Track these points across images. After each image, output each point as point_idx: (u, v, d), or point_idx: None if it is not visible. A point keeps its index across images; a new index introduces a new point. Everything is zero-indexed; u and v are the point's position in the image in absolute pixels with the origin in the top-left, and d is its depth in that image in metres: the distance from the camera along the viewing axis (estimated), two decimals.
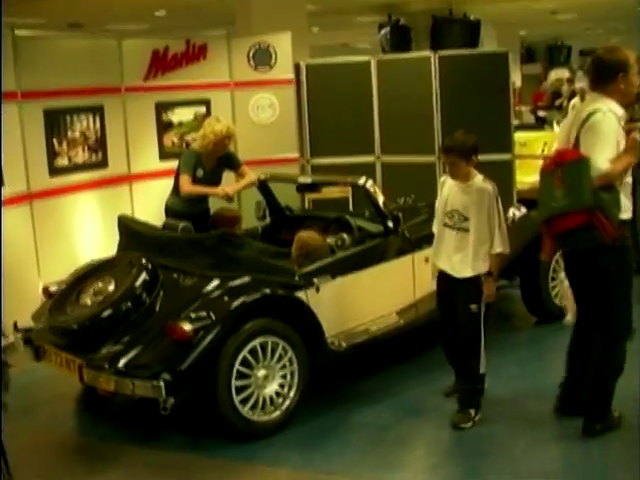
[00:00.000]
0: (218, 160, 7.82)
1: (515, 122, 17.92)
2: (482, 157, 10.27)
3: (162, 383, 5.54)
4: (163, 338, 5.81)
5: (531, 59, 27.45)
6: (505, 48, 10.74)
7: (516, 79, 23.84)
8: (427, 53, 10.40)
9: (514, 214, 8.24)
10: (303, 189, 7.91)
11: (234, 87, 10.56)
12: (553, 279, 7.94)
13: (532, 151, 12.56)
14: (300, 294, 6.31)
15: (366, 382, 6.84)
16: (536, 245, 7.63)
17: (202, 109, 10.33)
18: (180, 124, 10.19)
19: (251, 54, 10.56)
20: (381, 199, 7.03)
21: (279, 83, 10.68)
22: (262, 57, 10.61)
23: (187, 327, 5.66)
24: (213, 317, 5.76)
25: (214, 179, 7.81)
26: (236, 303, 5.89)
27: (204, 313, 5.80)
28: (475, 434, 5.90)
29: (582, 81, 24.70)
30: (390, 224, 6.98)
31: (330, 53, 11.47)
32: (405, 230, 7.14)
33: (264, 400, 5.95)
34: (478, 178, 6.02)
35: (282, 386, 6.05)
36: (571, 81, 24.03)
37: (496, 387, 6.43)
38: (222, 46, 10.50)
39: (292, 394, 6.08)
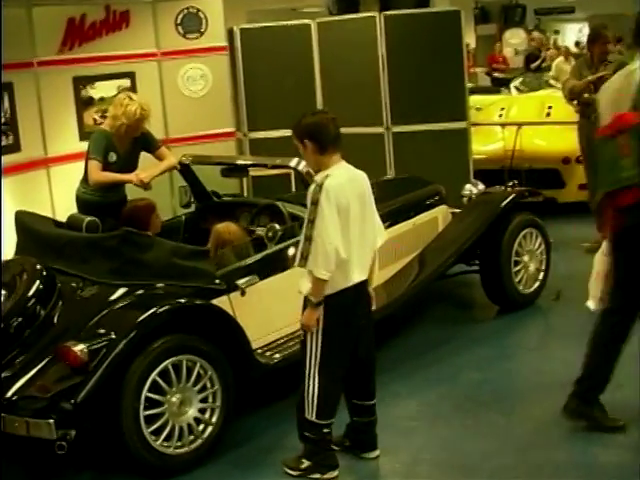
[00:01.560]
0: (133, 141, 6.73)
1: (469, 85, 17.07)
2: (434, 126, 9.50)
3: (52, 421, 4.48)
4: (57, 361, 4.74)
5: (485, 19, 26.31)
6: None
7: (470, 40, 22.81)
8: (372, 14, 9.29)
9: (470, 191, 7.22)
10: (228, 173, 6.80)
11: (161, 57, 9.40)
12: (516, 263, 6.93)
13: (489, 117, 11.51)
14: (222, 300, 5.27)
15: None
16: (496, 225, 6.72)
17: (126, 82, 9.16)
18: (102, 100, 9.00)
19: (179, 20, 9.42)
20: None
21: (211, 51, 9.56)
22: (191, 23, 9.47)
23: (79, 349, 4.61)
24: (113, 335, 4.71)
25: (129, 163, 6.72)
26: (142, 317, 4.83)
27: (102, 330, 4.76)
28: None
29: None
30: None
31: (278, 18, 10.25)
32: None
33: (181, 429, 4.91)
34: (326, 172, 4.47)
35: (202, 411, 5.00)
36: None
37: (451, 396, 5.51)
38: (146, 12, 9.32)
39: (215, 419, 5.04)
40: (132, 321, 4.81)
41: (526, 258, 7.01)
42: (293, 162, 5.90)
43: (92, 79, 8.97)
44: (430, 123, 9.13)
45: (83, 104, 8.92)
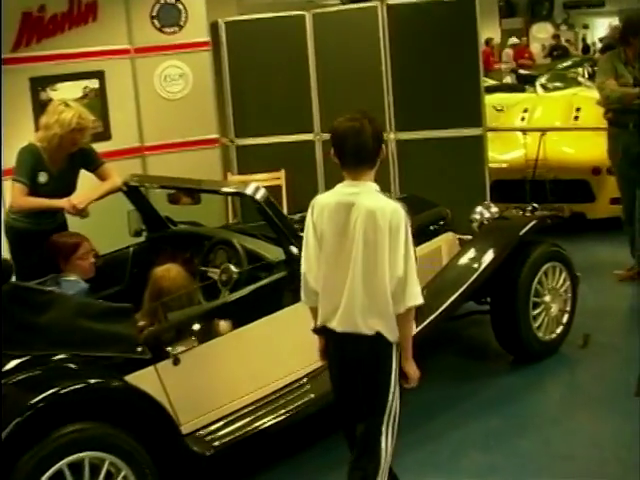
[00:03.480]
0: (69, 158, 5.44)
1: (492, 82, 15.62)
2: (445, 133, 8.09)
3: None
4: None
5: (511, 13, 24.72)
6: None
7: (494, 35, 21.36)
8: (373, 3, 7.88)
9: (481, 215, 5.83)
10: (176, 199, 5.41)
11: (135, 54, 8.04)
12: (536, 305, 5.54)
13: (510, 119, 10.07)
14: (145, 373, 3.93)
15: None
16: (512, 259, 5.34)
17: (94, 83, 7.84)
18: None
19: (155, 12, 8.08)
20: (280, 214, 4.61)
21: (192, 47, 8.20)
22: (169, 15, 8.12)
23: None
24: None
25: (64, 185, 5.44)
26: (28, 404, 3.50)
27: None
28: None
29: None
30: (294, 250, 4.56)
31: (274, 9, 8.87)
32: None
33: None
34: None
35: None
36: (557, 37, 21.69)
37: None
38: (117, 3, 7.93)
39: None
40: (14, 411, 3.48)
41: (547, 298, 5.63)
42: (250, 189, 4.53)
43: (53, 80, 7.65)
44: (440, 129, 7.74)
45: (42, 108, 7.57)
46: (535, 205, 5.94)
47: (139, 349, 3.96)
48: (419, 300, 3.42)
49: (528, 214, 5.84)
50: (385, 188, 7.50)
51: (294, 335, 4.53)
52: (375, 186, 3.50)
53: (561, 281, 5.74)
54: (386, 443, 3.52)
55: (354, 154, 3.48)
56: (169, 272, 4.44)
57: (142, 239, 5.59)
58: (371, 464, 3.51)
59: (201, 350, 4.15)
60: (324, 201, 3.55)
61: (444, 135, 7.70)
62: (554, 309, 5.69)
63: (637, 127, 6.73)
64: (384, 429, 3.52)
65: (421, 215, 5.83)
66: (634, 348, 5.71)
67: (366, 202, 3.43)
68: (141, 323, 4.22)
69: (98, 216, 5.86)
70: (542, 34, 23.30)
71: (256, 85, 8.38)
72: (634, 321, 6.21)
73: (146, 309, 4.31)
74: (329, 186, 7.83)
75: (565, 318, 5.80)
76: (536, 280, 5.52)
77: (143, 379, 3.92)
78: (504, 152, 8.96)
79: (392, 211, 3.40)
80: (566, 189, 8.45)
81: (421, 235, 5.65)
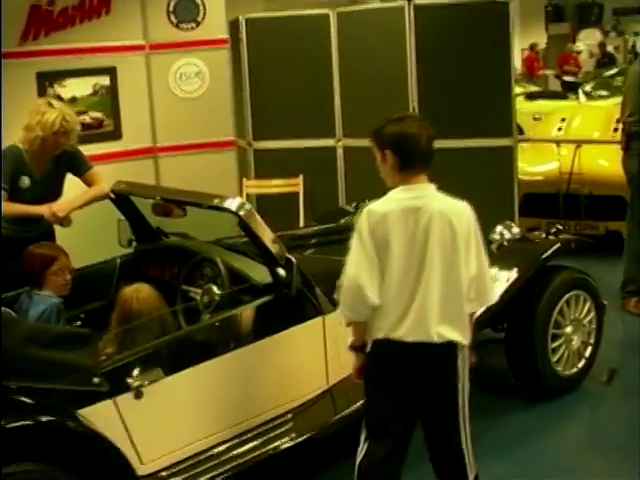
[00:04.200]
0: (54, 161, 5.02)
1: (535, 89, 15.03)
2: (472, 142, 7.54)
3: None
4: None
5: (559, 18, 23.97)
6: None
7: (540, 40, 20.71)
8: (399, 3, 7.37)
9: (502, 236, 5.30)
10: (161, 210, 4.93)
11: (150, 50, 7.66)
12: (555, 336, 5.02)
13: (547, 129, 9.46)
14: (102, 408, 3.48)
15: None
16: (531, 285, 4.83)
17: (104, 80, 7.45)
18: (74, 100, 7.29)
19: (172, 7, 7.69)
20: (267, 232, 4.13)
21: (209, 44, 7.81)
22: (186, 10, 7.73)
23: None
24: None
25: (48, 190, 5.03)
26: None
27: None
28: None
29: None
30: (282, 272, 4.08)
31: (302, 6, 8.37)
32: (310, 279, 4.26)
33: None
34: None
35: None
36: (603, 45, 20.97)
37: None
38: None
39: None
40: None
41: (569, 329, 5.10)
42: (233, 204, 4.03)
43: (61, 75, 7.30)
44: (467, 139, 7.20)
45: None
46: (559, 227, 5.38)
47: (95, 380, 3.50)
48: (496, 297, 3.46)
49: (552, 236, 5.28)
50: None
51: (278, 366, 4.09)
52: (433, 186, 3.37)
53: (585, 311, 5.20)
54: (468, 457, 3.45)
55: (425, 157, 3.38)
56: (138, 293, 3.99)
57: (131, 250, 5.14)
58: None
59: (168, 382, 3.68)
60: (383, 209, 3.32)
61: (471, 145, 7.18)
62: (576, 341, 5.16)
63: None
64: (463, 439, 3.42)
65: None
66: None
67: (436, 204, 3.30)
68: (107, 350, 3.77)
69: (88, 224, 5.48)
70: (590, 40, 22.55)
71: (276, 86, 7.91)
72: None
73: (112, 334, 3.85)
74: (350, 195, 7.43)
75: (588, 351, 5.26)
76: (557, 310, 4.99)
77: (100, 414, 3.48)
78: (537, 164, 8.40)
79: (463, 210, 3.32)
80: (602, 205, 7.88)
81: None
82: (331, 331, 4.31)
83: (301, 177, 7.69)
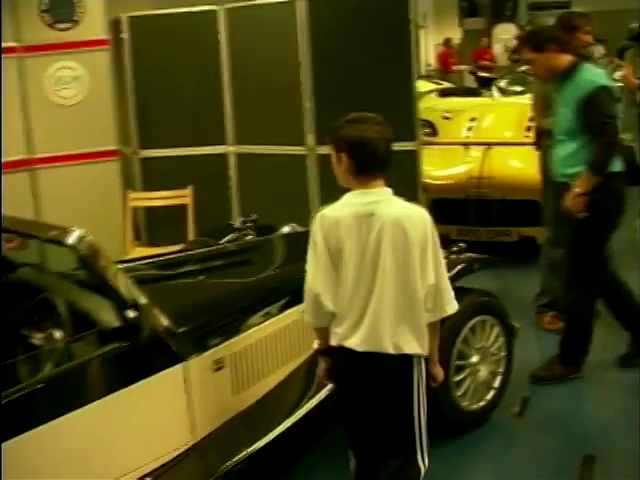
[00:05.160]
0: None
1: (449, 85, 14.51)
2: None
3: None
4: None
5: (473, 13, 23.57)
6: None
7: (454, 35, 20.30)
8: None
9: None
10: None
11: (22, 53, 6.90)
12: (460, 368, 4.44)
13: (457, 129, 8.90)
14: None
15: None
16: None
17: None
18: None
19: (45, 5, 6.93)
20: (112, 270, 3.45)
21: (88, 45, 7.07)
22: (62, 9, 6.98)
23: None
24: None
25: None
26: None
27: None
28: None
29: None
30: (132, 315, 3.41)
31: (187, 3, 7.61)
32: (168, 321, 3.60)
33: None
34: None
35: None
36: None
37: None
38: None
39: None
40: None
41: (475, 359, 4.53)
42: (73, 238, 3.33)
43: None
44: None
45: None
46: (462, 245, 4.79)
47: None
48: (455, 306, 3.28)
49: (454, 255, 4.68)
50: (303, 208, 6.48)
51: (130, 424, 3.42)
52: (390, 191, 3.18)
53: (493, 338, 4.63)
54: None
55: (382, 163, 3.17)
56: None
57: None
58: None
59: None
60: (336, 214, 3.16)
61: None
62: (483, 372, 4.59)
63: None
64: (419, 454, 3.27)
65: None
66: (581, 416, 4.67)
67: (390, 210, 3.13)
68: None
69: None
70: (505, 35, 22.21)
71: (163, 90, 7.29)
72: (588, 381, 5.13)
73: None
74: (244, 205, 6.78)
75: (498, 381, 4.70)
76: (460, 339, 4.41)
77: None
78: (445, 167, 7.85)
79: (419, 218, 3.15)
80: (514, 210, 7.34)
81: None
82: (197, 378, 3.66)
83: (190, 188, 7.02)
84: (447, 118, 9.36)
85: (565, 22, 5.95)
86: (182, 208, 7.04)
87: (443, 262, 3.22)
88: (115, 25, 7.24)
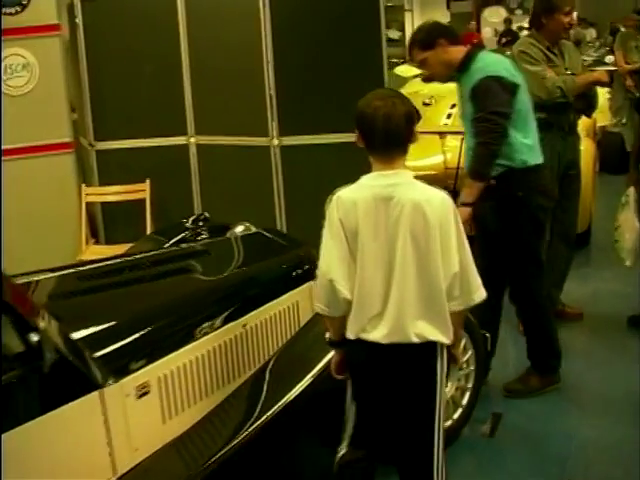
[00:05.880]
0: None
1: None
2: (338, 137, 6.04)
3: None
4: None
5: None
6: None
7: (441, 18, 19.79)
8: None
9: None
10: None
11: None
12: None
13: (436, 116, 8.47)
14: None
15: None
16: None
17: None
18: None
19: None
20: (10, 286, 2.98)
21: (38, 31, 6.59)
22: None
23: None
24: None
25: None
26: None
27: None
28: None
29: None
30: (34, 338, 2.95)
31: None
32: (80, 344, 3.14)
33: None
34: None
35: None
36: (509, 21, 20.17)
37: None
38: None
39: None
40: None
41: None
42: None
43: None
44: (335, 133, 6.13)
45: None
46: None
47: None
48: (483, 294, 3.07)
49: None
50: (267, 202, 6.03)
51: (39, 461, 2.96)
52: (411, 173, 3.08)
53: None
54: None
55: (388, 140, 3.04)
56: None
57: None
58: None
59: None
60: (354, 196, 3.02)
61: (336, 140, 6.11)
62: (449, 389, 4.15)
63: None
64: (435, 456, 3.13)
65: (272, 261, 4.27)
66: (558, 435, 4.23)
67: (409, 194, 3.01)
68: None
69: None
70: (495, 18, 21.73)
71: (119, 78, 6.77)
72: (567, 391, 4.70)
73: None
74: (205, 198, 6.32)
75: (466, 398, 4.26)
76: None
77: None
78: (420, 157, 7.36)
79: (441, 202, 3.01)
80: None
81: (269, 290, 4.10)
82: (116, 407, 3.20)
83: (147, 182, 6.56)
84: (427, 104, 8.89)
85: (545, 2, 5.53)
86: (141, 203, 6.57)
87: (468, 248, 3.03)
88: (70, 9, 6.74)
